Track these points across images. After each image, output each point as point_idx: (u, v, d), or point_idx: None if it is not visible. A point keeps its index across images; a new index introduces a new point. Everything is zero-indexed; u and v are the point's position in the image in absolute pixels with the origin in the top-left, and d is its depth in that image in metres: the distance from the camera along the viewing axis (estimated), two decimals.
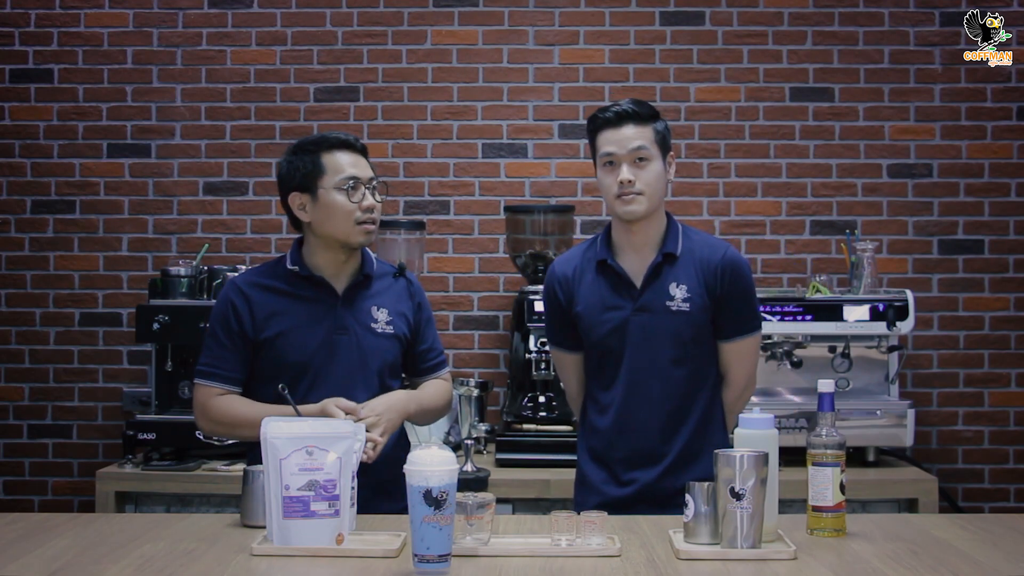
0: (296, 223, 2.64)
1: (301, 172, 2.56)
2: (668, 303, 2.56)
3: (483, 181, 4.02)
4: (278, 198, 3.91)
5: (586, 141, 2.70)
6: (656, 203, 2.57)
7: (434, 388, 2.73)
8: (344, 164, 2.55)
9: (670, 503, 2.51)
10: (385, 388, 2.61)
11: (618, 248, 2.63)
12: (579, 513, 2.09)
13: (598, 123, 2.58)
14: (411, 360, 2.72)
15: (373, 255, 2.71)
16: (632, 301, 2.58)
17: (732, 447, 2.10)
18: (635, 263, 2.60)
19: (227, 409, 2.54)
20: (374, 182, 2.58)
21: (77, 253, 4.03)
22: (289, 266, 2.61)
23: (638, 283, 2.59)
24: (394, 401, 2.57)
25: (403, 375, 2.74)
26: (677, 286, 2.57)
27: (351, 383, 2.57)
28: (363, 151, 2.62)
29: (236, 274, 2.99)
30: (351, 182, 2.53)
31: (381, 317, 2.62)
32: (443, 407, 2.76)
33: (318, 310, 2.58)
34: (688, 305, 2.56)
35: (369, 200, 2.55)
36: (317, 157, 2.55)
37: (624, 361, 2.58)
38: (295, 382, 2.52)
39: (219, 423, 2.57)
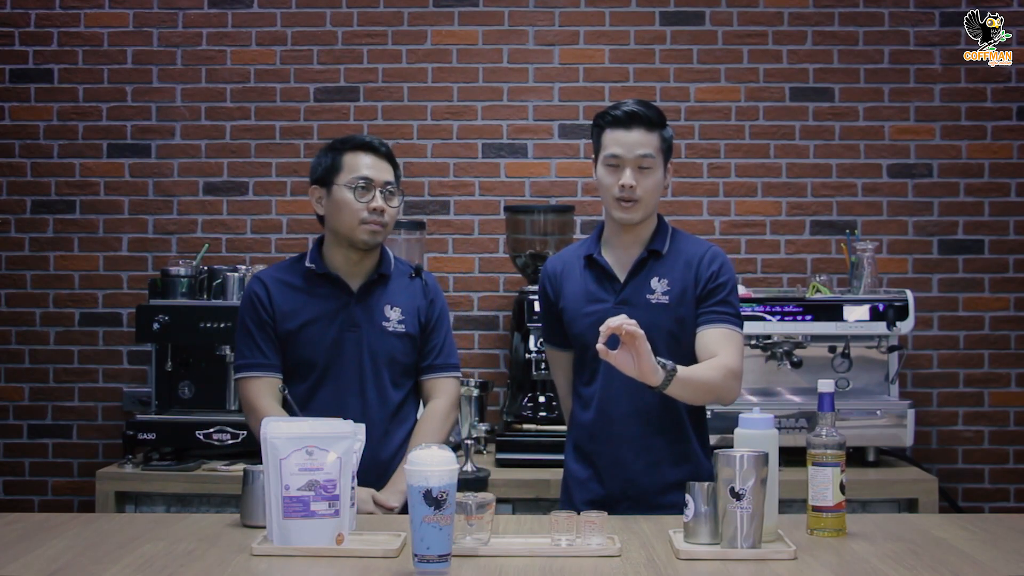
0: (321, 219, 2.70)
1: (322, 167, 2.65)
2: (649, 296, 2.57)
3: (483, 181, 4.02)
4: (278, 198, 4.01)
5: (586, 140, 2.70)
6: (651, 210, 2.60)
7: (429, 423, 2.70)
8: (360, 164, 2.62)
9: (655, 500, 2.51)
10: (395, 387, 2.64)
11: (608, 244, 2.66)
12: (579, 513, 2.09)
13: (607, 120, 2.58)
14: (418, 357, 2.72)
15: (392, 255, 2.75)
16: (615, 295, 2.59)
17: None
18: (621, 258, 2.62)
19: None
20: (390, 187, 2.62)
21: (77, 253, 4.03)
22: (307, 264, 2.67)
23: (622, 277, 2.60)
24: None
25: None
26: (659, 280, 2.58)
27: (359, 380, 2.61)
28: (387, 156, 2.67)
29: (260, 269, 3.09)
30: (362, 182, 2.59)
31: (394, 316, 2.66)
32: (446, 431, 2.73)
33: (332, 307, 2.62)
34: (668, 298, 2.56)
35: (378, 202, 2.59)
36: (339, 155, 2.63)
37: None
38: (305, 378, 2.56)
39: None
